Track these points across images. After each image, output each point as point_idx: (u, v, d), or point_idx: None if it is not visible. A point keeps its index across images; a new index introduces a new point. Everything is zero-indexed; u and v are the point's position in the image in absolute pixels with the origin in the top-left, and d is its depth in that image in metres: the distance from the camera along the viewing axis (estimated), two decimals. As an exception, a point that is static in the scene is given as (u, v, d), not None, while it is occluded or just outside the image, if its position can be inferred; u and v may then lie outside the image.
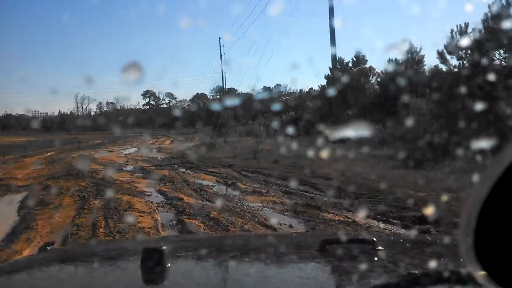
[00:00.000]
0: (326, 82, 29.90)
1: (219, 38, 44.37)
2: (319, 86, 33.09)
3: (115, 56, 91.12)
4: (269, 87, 56.43)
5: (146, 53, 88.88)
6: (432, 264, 1.38)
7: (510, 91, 12.10)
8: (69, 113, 76.02)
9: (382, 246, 1.62)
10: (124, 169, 14.55)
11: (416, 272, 1.23)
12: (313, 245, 1.69)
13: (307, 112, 27.58)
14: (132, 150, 25.63)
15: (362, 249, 1.65)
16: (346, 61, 30.03)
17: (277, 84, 59.19)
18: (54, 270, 1.68)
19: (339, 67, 26.52)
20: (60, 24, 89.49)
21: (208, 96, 71.78)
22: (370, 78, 28.66)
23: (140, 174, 12.89)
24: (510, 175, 0.69)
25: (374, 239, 1.65)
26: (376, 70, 28.14)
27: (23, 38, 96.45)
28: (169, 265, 1.39)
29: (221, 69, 47.98)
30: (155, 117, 64.36)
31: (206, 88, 77.91)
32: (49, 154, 22.09)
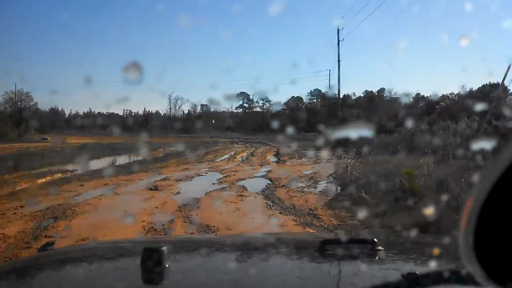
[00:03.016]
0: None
1: (338, 30, 40.58)
2: None
3: (214, 59, 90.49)
4: (371, 91, 52.09)
5: (239, 53, 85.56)
6: (432, 264, 1.35)
7: None
8: (155, 112, 74.24)
9: (382, 246, 1.53)
10: None
11: (416, 272, 1.16)
12: (313, 245, 1.61)
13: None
14: (210, 179, 14.07)
15: (362, 249, 1.57)
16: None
17: (381, 88, 53.56)
18: (54, 270, 1.58)
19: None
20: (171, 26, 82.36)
21: (304, 100, 65.59)
22: None
23: None
24: (510, 175, 0.67)
25: (374, 239, 1.56)
26: None
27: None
28: (168, 265, 1.30)
29: (338, 61, 42.06)
30: (249, 121, 59.44)
31: (302, 92, 72.48)
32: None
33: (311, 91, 64.15)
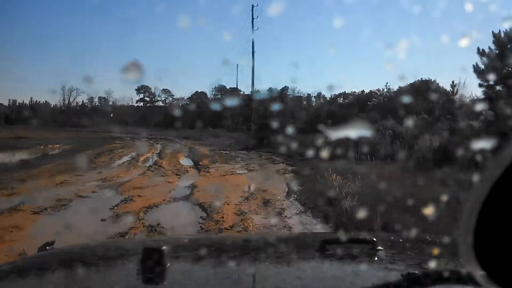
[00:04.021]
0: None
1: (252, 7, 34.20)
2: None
3: (109, 50, 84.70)
4: (271, 88, 46.87)
5: (143, 48, 77.65)
6: (432, 264, 1.31)
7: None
8: (43, 103, 61.44)
9: (382, 246, 1.53)
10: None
11: (416, 272, 1.14)
12: (313, 245, 1.59)
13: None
14: (98, 208, 7.72)
15: (362, 249, 1.55)
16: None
17: (285, 86, 48.23)
18: (54, 270, 1.52)
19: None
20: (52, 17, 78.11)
21: (208, 95, 60.48)
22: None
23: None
24: (510, 175, 0.67)
25: (374, 239, 1.55)
26: None
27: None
28: (169, 265, 1.28)
29: (252, 52, 34.93)
30: (151, 115, 52.28)
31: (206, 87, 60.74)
32: None
33: (215, 86, 61.99)
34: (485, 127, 14.64)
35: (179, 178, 12.98)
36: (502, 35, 18.82)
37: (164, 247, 1.27)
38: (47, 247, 1.76)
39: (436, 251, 1.53)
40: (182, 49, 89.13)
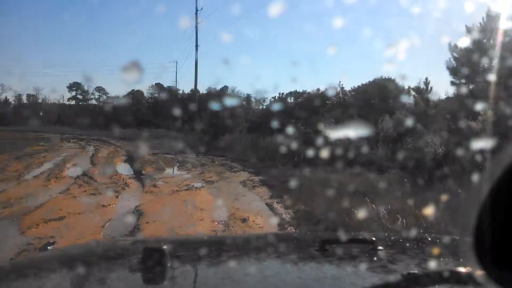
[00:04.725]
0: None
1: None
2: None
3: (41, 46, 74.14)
4: (214, 88, 43.26)
5: (75, 43, 74.64)
6: (432, 264, 1.31)
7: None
8: None
9: (382, 246, 1.50)
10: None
11: (416, 272, 1.14)
12: (313, 245, 1.58)
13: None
14: None
15: (362, 249, 1.54)
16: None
17: (224, 86, 45.18)
18: (54, 270, 1.50)
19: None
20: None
21: (145, 94, 56.15)
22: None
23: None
24: (510, 175, 0.65)
25: (374, 239, 1.55)
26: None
27: None
28: (169, 265, 1.26)
29: (196, 46, 31.75)
30: (83, 114, 46.61)
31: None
32: None
33: (152, 85, 60.39)
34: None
35: (118, 197, 9.36)
36: (476, 28, 17.12)
37: (164, 247, 1.24)
38: (48, 247, 1.84)
39: (436, 251, 1.50)
40: (119, 45, 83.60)
